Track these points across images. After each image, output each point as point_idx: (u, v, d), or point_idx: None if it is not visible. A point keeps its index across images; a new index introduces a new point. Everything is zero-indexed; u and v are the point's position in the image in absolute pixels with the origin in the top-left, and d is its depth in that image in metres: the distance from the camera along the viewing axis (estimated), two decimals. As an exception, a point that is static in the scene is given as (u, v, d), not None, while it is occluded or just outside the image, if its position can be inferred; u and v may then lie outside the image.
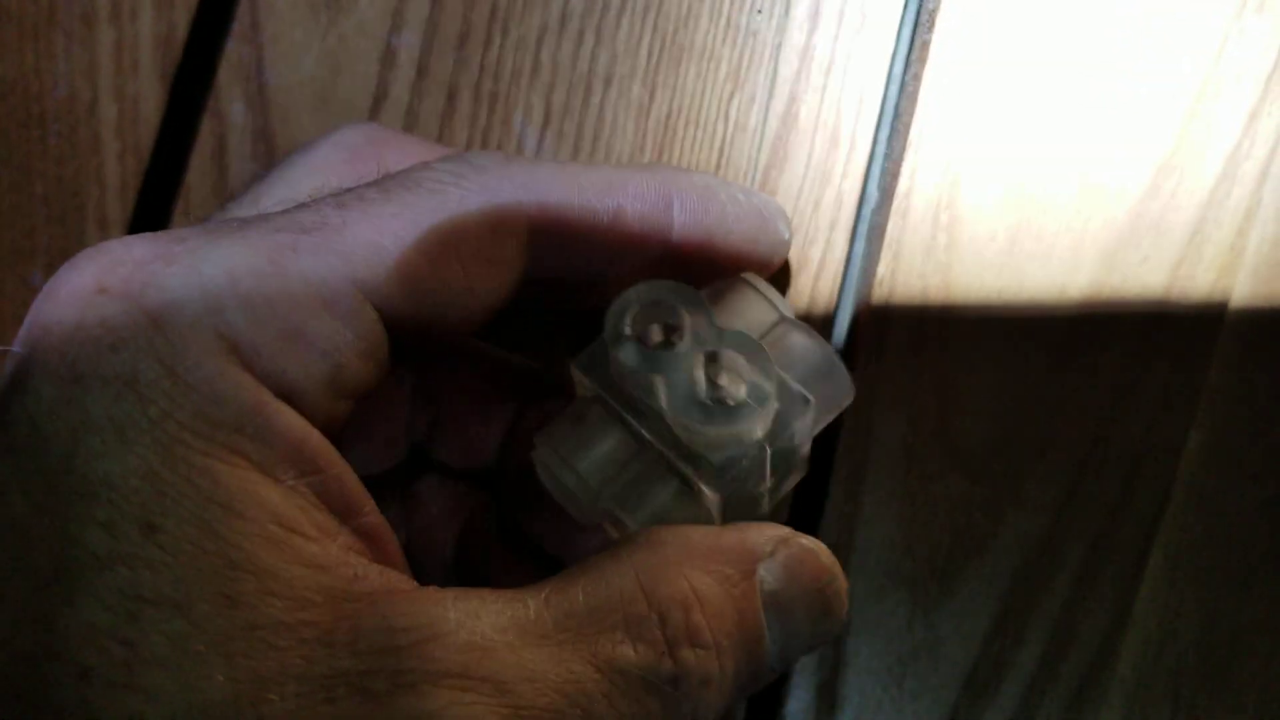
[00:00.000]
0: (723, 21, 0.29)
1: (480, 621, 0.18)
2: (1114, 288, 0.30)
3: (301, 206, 0.20)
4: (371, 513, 0.19)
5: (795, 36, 0.29)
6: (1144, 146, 0.29)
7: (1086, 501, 0.30)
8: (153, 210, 0.31)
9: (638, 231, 0.22)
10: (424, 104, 0.29)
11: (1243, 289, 0.30)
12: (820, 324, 0.29)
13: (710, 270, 0.24)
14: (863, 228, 0.30)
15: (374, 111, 0.30)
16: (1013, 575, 0.31)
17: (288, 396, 0.18)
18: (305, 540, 0.17)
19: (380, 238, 0.19)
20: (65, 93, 0.30)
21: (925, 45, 0.29)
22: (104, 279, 0.18)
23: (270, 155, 0.30)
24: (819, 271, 0.29)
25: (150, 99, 0.31)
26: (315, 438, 0.18)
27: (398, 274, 0.19)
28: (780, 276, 0.28)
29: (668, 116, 0.29)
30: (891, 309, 0.30)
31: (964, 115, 0.29)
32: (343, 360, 0.19)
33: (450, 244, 0.20)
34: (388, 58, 0.29)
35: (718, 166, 0.29)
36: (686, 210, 0.23)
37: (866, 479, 0.30)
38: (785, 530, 0.22)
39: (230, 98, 0.30)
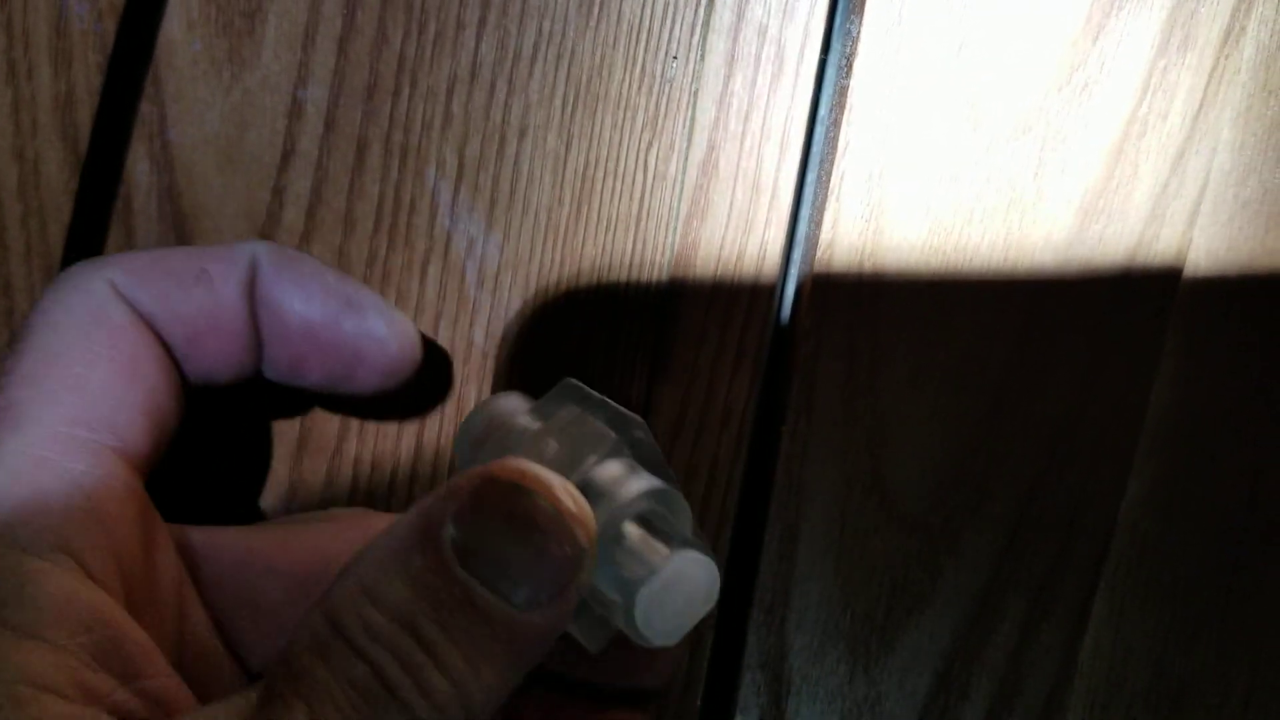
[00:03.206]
0: (638, 69, 0.28)
1: None
2: (1045, 334, 0.29)
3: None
4: (159, 675, 0.19)
5: (712, 83, 0.28)
6: (1069, 189, 0.28)
7: (1026, 552, 0.30)
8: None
9: (224, 289, 0.24)
10: (333, 158, 0.28)
11: (1176, 332, 0.29)
12: (748, 376, 0.29)
13: (285, 340, 0.25)
14: (790, 278, 0.29)
15: (283, 167, 0.29)
16: (954, 629, 0.30)
17: (58, 556, 0.19)
18: (58, 699, 0.17)
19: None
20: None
21: (844, 90, 0.28)
22: None
23: (177, 215, 0.29)
24: (744, 325, 0.28)
25: (52, 160, 0.30)
26: (88, 598, 0.18)
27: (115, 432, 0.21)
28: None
29: (585, 167, 0.28)
30: (820, 361, 0.29)
31: (885, 161, 0.28)
32: (101, 509, 0.20)
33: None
34: (295, 111, 0.28)
35: (638, 217, 0.28)
36: (267, 273, 0.24)
37: (800, 536, 0.29)
38: (476, 472, 0.20)
39: (134, 157, 0.29)
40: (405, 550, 0.19)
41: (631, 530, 0.21)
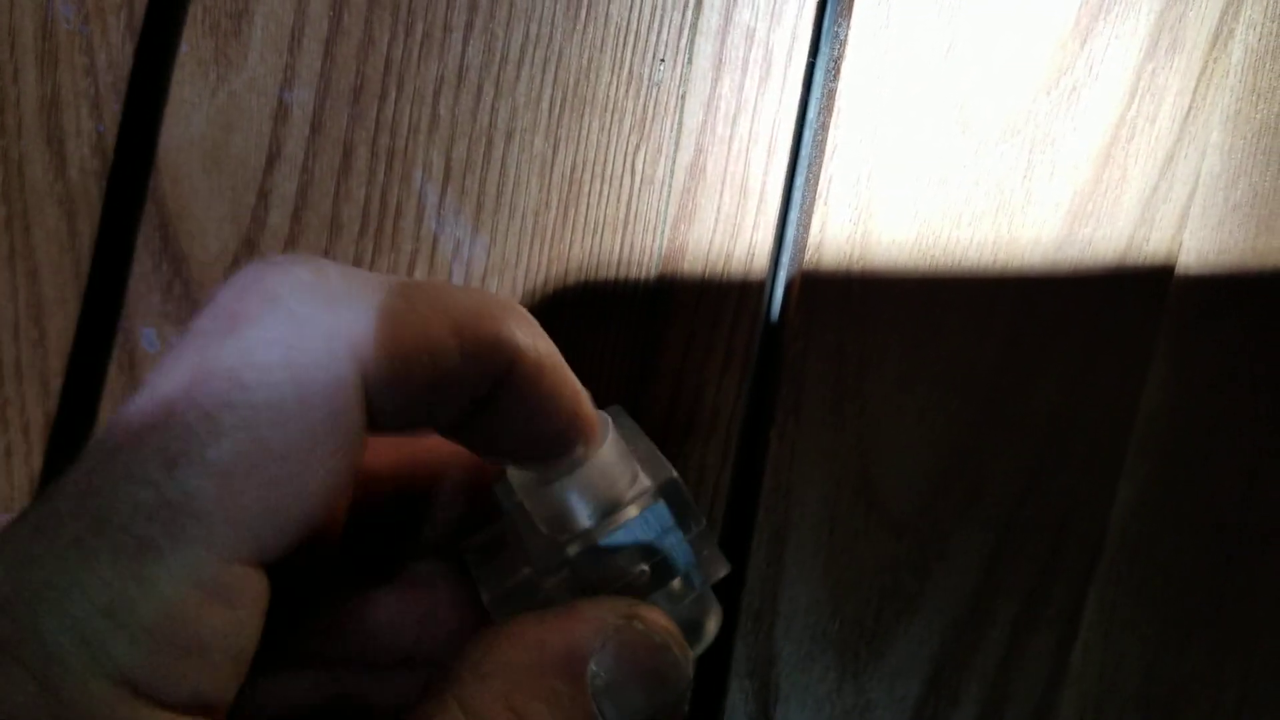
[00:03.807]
0: (625, 72, 0.28)
1: None
2: (1034, 337, 0.29)
3: (130, 480, 0.16)
4: None
5: (700, 87, 0.28)
6: (1058, 192, 0.28)
7: (1016, 556, 0.30)
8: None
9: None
10: (319, 161, 0.28)
11: (1167, 335, 0.29)
12: (736, 378, 0.28)
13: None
14: (778, 281, 0.29)
15: (268, 170, 0.29)
16: (943, 634, 0.30)
17: (182, 705, 0.16)
18: None
19: (236, 510, 0.17)
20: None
21: (832, 93, 0.28)
22: None
23: (162, 217, 0.29)
24: (732, 327, 0.28)
25: (37, 162, 0.29)
26: None
27: (263, 541, 0.17)
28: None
29: (572, 170, 0.28)
30: (808, 364, 0.29)
31: (874, 164, 0.28)
32: (232, 645, 0.17)
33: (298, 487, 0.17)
34: (281, 114, 0.28)
35: (625, 220, 0.28)
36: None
37: (789, 541, 0.29)
38: (622, 607, 0.21)
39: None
40: (550, 673, 0.20)
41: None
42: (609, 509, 0.22)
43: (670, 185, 0.28)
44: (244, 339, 0.17)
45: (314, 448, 0.17)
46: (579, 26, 0.28)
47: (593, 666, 0.20)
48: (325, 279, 0.18)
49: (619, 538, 0.22)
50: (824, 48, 0.28)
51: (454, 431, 0.20)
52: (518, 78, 0.28)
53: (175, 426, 0.16)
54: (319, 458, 0.17)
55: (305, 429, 0.17)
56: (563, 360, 0.20)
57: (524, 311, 0.20)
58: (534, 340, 0.20)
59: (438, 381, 0.18)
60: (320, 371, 0.17)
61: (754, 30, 0.28)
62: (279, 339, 0.17)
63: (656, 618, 0.21)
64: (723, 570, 0.23)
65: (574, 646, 0.20)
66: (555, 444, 0.21)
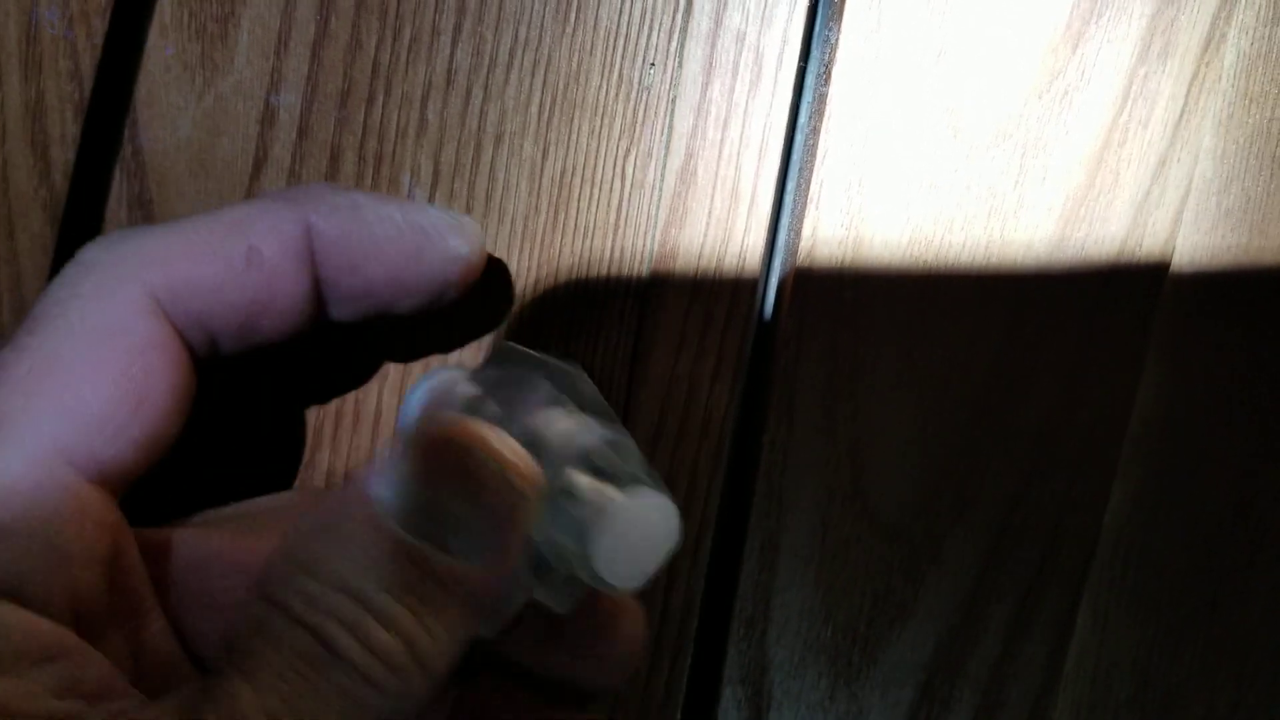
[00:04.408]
0: (615, 76, 0.28)
1: None
2: (1027, 342, 0.29)
3: None
4: (121, 696, 0.19)
5: (690, 91, 0.28)
6: (1050, 197, 0.28)
7: (1009, 561, 0.29)
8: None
9: (279, 266, 0.22)
10: (306, 166, 0.28)
11: (1160, 340, 0.29)
12: (728, 384, 0.28)
13: (369, 292, 0.23)
14: (770, 286, 0.29)
15: (255, 174, 0.28)
16: (937, 640, 0.29)
17: (14, 593, 0.19)
18: None
19: (35, 414, 0.20)
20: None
21: (823, 98, 0.28)
22: None
23: (148, 223, 0.29)
24: (724, 333, 0.28)
25: (21, 167, 0.29)
26: (46, 630, 0.19)
27: (64, 443, 0.20)
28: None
29: (562, 174, 0.28)
30: (800, 369, 0.28)
31: (865, 169, 0.28)
32: (62, 546, 0.20)
33: (90, 389, 0.20)
34: (268, 118, 0.28)
35: (615, 225, 0.28)
36: (325, 235, 0.22)
37: (781, 547, 0.29)
38: (402, 439, 0.21)
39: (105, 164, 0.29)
40: (335, 519, 0.19)
41: (580, 478, 0.21)
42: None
43: (661, 189, 0.28)
44: (49, 291, 0.21)
45: (99, 358, 0.20)
46: (568, 30, 0.27)
47: (378, 493, 0.19)
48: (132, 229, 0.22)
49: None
50: (815, 52, 0.28)
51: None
52: (507, 81, 0.28)
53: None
54: (106, 366, 0.20)
55: (90, 343, 0.20)
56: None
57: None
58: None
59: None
60: (101, 293, 0.21)
61: (745, 34, 0.27)
62: (69, 278, 0.21)
63: (443, 421, 0.20)
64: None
65: (351, 481, 0.20)
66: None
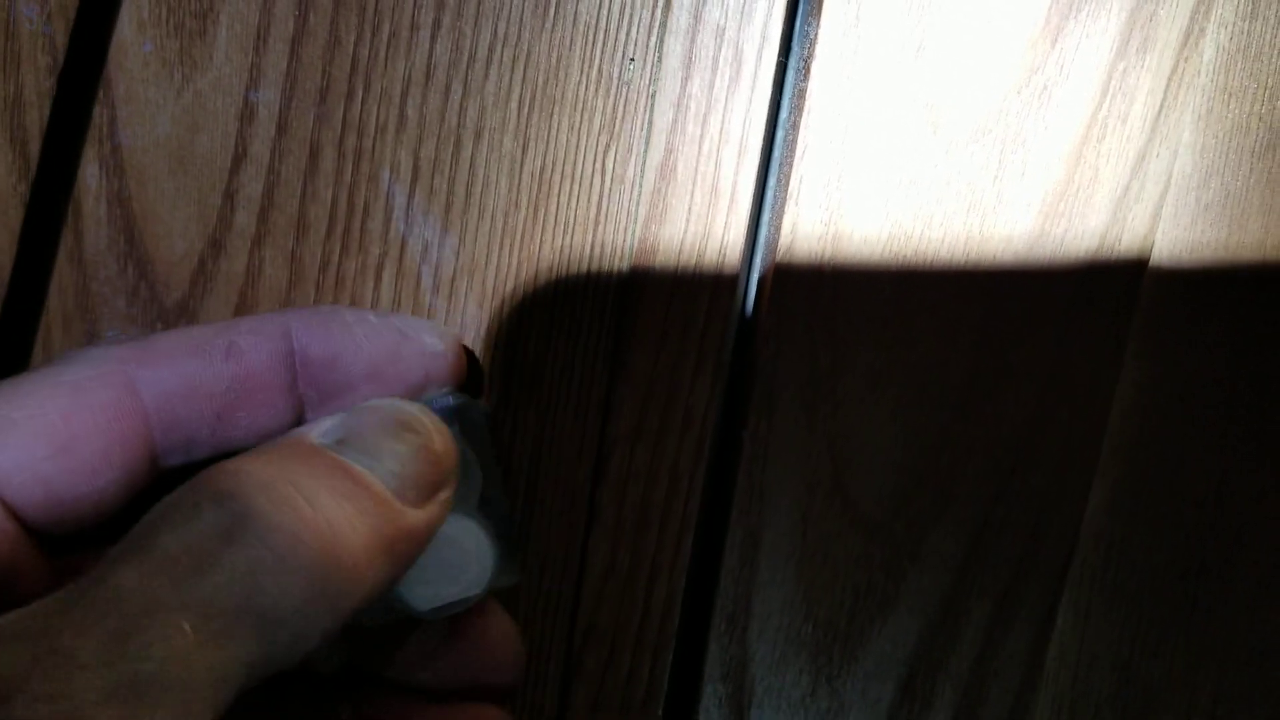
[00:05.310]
0: (594, 71, 0.28)
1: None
2: (1006, 337, 0.29)
3: None
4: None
5: (669, 86, 0.28)
6: (1029, 192, 0.28)
7: (990, 557, 0.29)
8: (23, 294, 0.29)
9: (256, 360, 0.23)
10: (285, 162, 0.28)
11: (1139, 335, 0.29)
12: (708, 379, 0.28)
13: (348, 388, 0.24)
14: (751, 281, 0.29)
15: (234, 170, 0.28)
16: (917, 636, 0.29)
17: None
18: None
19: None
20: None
21: (803, 93, 0.28)
22: None
23: (127, 219, 0.29)
24: (704, 329, 0.28)
25: (1, 162, 0.29)
26: None
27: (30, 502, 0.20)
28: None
29: (542, 170, 0.28)
30: (780, 365, 0.28)
31: (845, 165, 0.28)
32: None
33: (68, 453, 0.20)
34: (246, 114, 0.28)
35: (595, 220, 0.28)
36: (304, 334, 0.23)
37: (762, 543, 0.29)
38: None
39: (84, 160, 0.29)
40: (271, 449, 0.20)
41: None
42: None
43: (641, 185, 0.28)
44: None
45: (49, 396, 0.21)
46: (548, 25, 0.27)
47: (315, 430, 0.20)
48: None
49: None
50: (795, 47, 0.28)
51: None
52: (486, 77, 0.28)
53: None
54: (51, 404, 0.21)
55: (49, 386, 0.21)
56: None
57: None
58: None
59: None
60: (78, 362, 0.22)
61: (724, 29, 0.27)
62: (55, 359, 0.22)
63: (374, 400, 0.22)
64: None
65: (297, 436, 0.21)
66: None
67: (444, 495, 0.21)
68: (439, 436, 0.22)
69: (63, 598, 0.16)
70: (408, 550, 0.20)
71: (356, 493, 0.19)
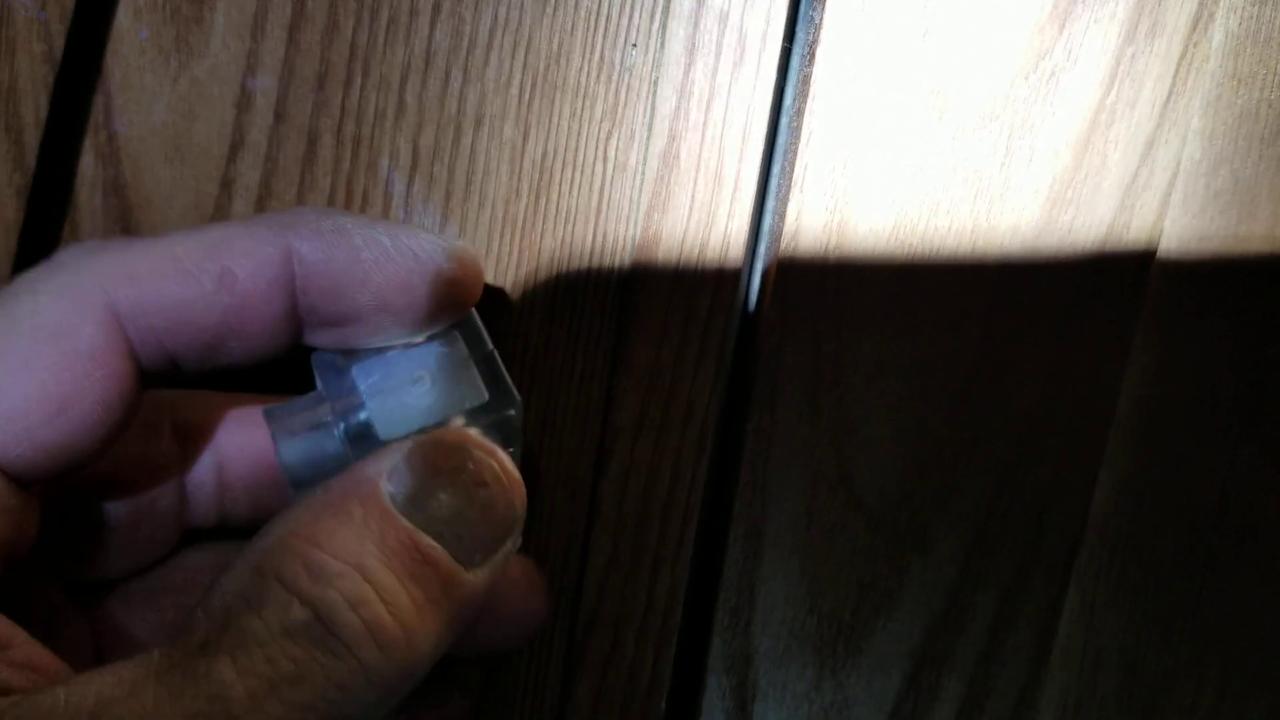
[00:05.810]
0: (596, 57, 0.27)
1: (90, 687, 0.17)
2: (1013, 326, 0.28)
3: None
4: (20, 645, 0.18)
5: (672, 72, 0.27)
6: (1037, 179, 0.28)
7: (996, 548, 0.29)
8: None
9: (253, 290, 0.21)
10: (283, 150, 0.28)
11: (1147, 324, 0.29)
12: (711, 371, 0.28)
13: (352, 319, 0.23)
14: (754, 271, 0.28)
15: (231, 159, 0.28)
16: (923, 629, 0.29)
17: None
18: None
19: None
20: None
21: (808, 79, 0.27)
22: None
23: (123, 208, 0.28)
24: (707, 320, 0.28)
25: (-6, 150, 0.29)
26: None
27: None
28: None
29: (543, 158, 0.28)
30: (784, 356, 0.28)
31: (850, 151, 0.28)
32: None
33: (39, 387, 0.20)
34: (244, 102, 0.28)
35: (597, 209, 0.28)
36: (307, 260, 0.22)
37: (765, 535, 0.29)
38: (410, 440, 0.21)
39: (80, 148, 0.28)
40: (342, 503, 0.19)
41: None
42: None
43: (643, 173, 0.27)
44: (13, 282, 0.21)
45: (34, 355, 0.20)
46: (549, 10, 0.27)
47: (387, 486, 0.20)
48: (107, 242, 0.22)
49: (407, 357, 0.22)
50: (799, 32, 0.28)
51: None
52: (486, 63, 0.27)
53: None
54: (38, 365, 0.20)
55: (31, 340, 0.20)
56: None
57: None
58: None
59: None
60: (60, 293, 0.20)
61: (727, 14, 0.27)
62: (35, 274, 0.21)
63: (445, 430, 0.21)
64: (511, 405, 0.23)
65: (360, 475, 0.20)
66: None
67: (507, 548, 0.21)
68: (505, 491, 0.21)
69: (157, 680, 0.17)
70: (467, 616, 0.20)
71: (427, 576, 0.19)
